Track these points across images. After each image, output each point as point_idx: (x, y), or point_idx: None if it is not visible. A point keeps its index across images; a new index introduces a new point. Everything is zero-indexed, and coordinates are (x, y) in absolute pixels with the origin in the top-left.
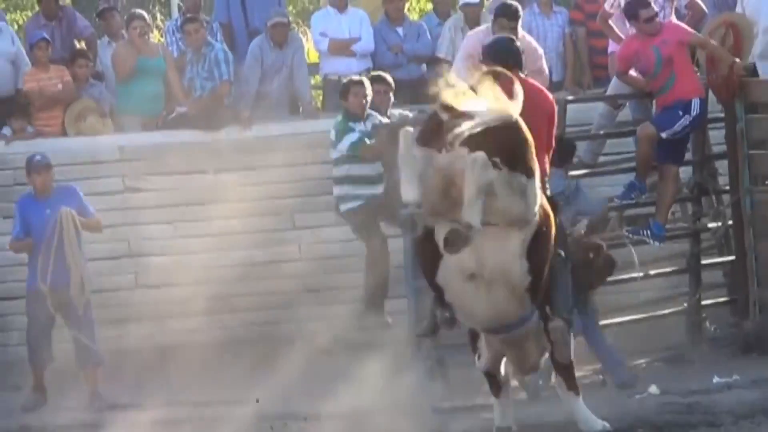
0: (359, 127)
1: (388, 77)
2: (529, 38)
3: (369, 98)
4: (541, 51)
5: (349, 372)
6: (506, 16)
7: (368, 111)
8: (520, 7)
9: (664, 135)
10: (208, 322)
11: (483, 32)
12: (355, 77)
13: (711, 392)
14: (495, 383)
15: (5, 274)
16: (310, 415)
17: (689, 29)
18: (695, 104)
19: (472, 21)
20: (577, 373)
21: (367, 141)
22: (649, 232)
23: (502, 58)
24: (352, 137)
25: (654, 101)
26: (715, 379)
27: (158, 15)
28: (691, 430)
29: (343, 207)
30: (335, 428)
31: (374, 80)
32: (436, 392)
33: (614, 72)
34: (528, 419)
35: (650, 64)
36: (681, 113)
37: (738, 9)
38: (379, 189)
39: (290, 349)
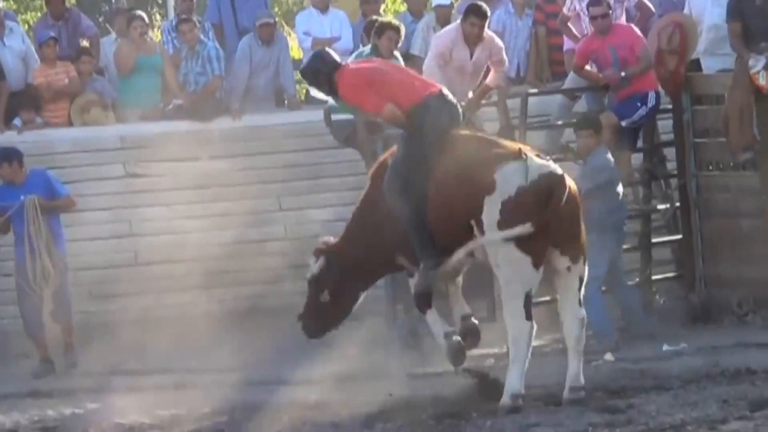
0: None
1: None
2: (491, 33)
3: (398, 45)
4: (501, 44)
5: (330, 341)
6: (475, 14)
7: (395, 54)
8: (487, 7)
9: (624, 123)
10: (202, 296)
11: (452, 31)
12: (394, 21)
13: (661, 359)
14: (426, 302)
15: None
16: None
17: (641, 38)
18: (651, 97)
19: (443, 21)
20: (540, 342)
21: None
22: None
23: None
24: None
25: (609, 94)
26: (665, 347)
27: (157, 16)
28: (643, 393)
29: (334, 117)
30: (318, 392)
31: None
32: (410, 360)
33: (571, 67)
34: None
35: (608, 63)
36: (639, 104)
37: (686, 10)
38: None
39: (277, 320)
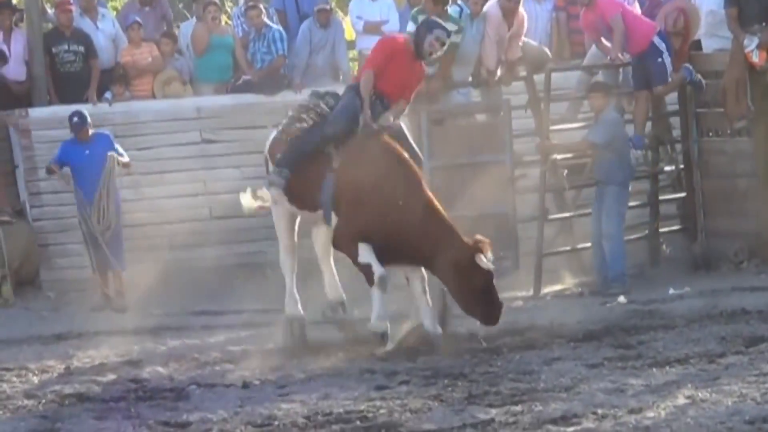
0: None
1: None
2: (523, 12)
3: None
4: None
5: (322, 287)
6: None
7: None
8: None
9: (660, 89)
10: (268, 246)
11: (494, 6)
12: None
13: (667, 301)
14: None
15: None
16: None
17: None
18: (658, 42)
19: None
20: (560, 286)
21: None
22: (631, 143)
23: None
24: None
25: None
26: (671, 291)
27: (229, 2)
28: (651, 331)
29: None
30: (366, 329)
31: None
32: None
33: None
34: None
35: (598, 32)
36: (659, 59)
37: None
38: None
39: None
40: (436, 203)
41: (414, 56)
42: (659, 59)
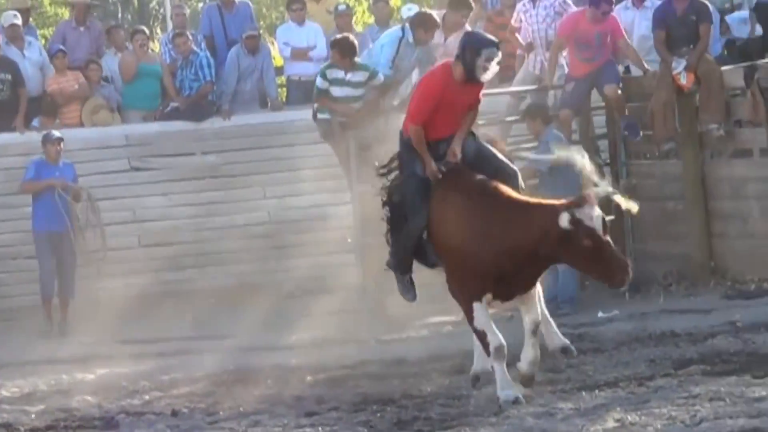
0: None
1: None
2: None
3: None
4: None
5: (308, 312)
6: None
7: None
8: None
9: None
10: (196, 274)
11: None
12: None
13: (596, 324)
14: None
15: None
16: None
17: (622, 30)
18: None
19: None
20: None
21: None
22: (626, 133)
23: None
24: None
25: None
26: (600, 314)
27: (158, 29)
28: (581, 354)
29: (319, 115)
30: (297, 356)
31: None
32: (378, 327)
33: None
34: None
35: (589, 43)
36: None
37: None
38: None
39: (262, 294)
40: (518, 197)
41: (463, 81)
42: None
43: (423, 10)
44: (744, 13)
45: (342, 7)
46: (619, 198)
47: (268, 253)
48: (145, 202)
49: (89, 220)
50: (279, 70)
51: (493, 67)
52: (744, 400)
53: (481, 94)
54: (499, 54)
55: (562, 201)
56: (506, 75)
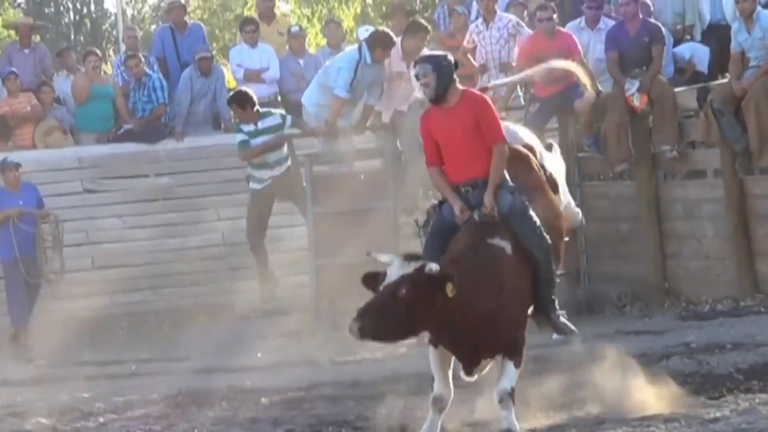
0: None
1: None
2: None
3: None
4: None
5: (263, 333)
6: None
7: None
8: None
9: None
10: (151, 295)
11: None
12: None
13: (551, 346)
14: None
15: None
16: (233, 368)
17: (578, 47)
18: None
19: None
20: None
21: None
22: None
23: None
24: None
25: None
26: (554, 336)
27: (111, 51)
28: (536, 376)
29: (251, 185)
30: (252, 378)
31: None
32: (332, 349)
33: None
34: None
35: (550, 58)
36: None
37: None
38: (280, 170)
39: (216, 316)
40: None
41: (441, 109)
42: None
43: (380, 28)
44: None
45: (295, 29)
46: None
47: (223, 274)
48: (99, 224)
49: (54, 241)
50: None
51: (426, 79)
52: (699, 421)
53: (479, 106)
54: (427, 68)
55: None
56: None
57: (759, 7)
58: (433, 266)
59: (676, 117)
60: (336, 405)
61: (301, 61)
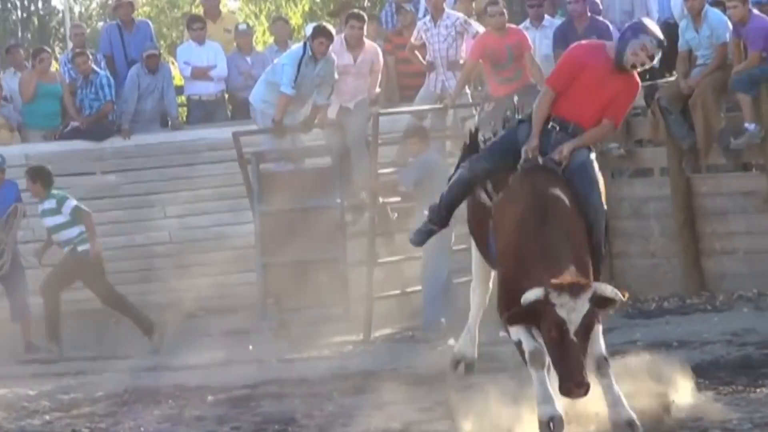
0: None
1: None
2: (374, 46)
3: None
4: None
5: (209, 331)
6: (356, 18)
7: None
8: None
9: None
10: None
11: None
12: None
13: (498, 343)
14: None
15: None
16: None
17: (529, 43)
18: None
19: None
20: (391, 330)
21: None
22: None
23: None
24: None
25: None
26: (501, 334)
27: (57, 48)
28: (483, 374)
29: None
30: (199, 376)
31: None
32: (279, 347)
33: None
34: None
35: (503, 58)
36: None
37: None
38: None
39: (163, 314)
40: (552, 241)
41: (614, 68)
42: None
43: (320, 23)
44: None
45: (242, 26)
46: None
47: (169, 272)
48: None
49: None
50: (179, 90)
51: (647, 63)
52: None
53: (632, 95)
54: (658, 52)
55: (567, 275)
56: (407, 95)
57: (707, 6)
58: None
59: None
60: (282, 403)
61: (249, 59)
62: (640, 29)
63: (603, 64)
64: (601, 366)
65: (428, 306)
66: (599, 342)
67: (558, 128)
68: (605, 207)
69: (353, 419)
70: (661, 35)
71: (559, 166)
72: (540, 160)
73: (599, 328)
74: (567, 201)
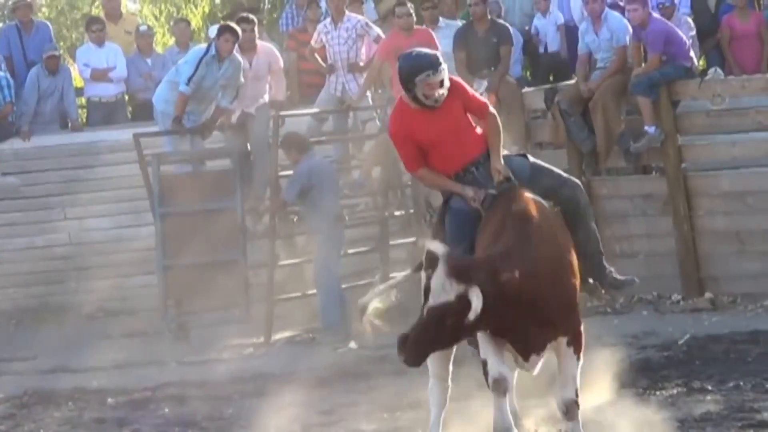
0: None
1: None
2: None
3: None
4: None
5: (110, 334)
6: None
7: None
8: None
9: None
10: None
11: None
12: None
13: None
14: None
15: None
16: (80, 368)
17: (435, 42)
18: None
19: None
20: (291, 332)
21: None
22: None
23: None
24: None
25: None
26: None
27: None
28: (382, 376)
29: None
30: (99, 378)
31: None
32: (179, 349)
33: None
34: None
35: None
36: None
37: None
38: None
39: (63, 316)
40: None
41: (424, 108)
42: None
43: (226, 22)
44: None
45: (143, 27)
46: None
47: (69, 274)
48: None
49: None
50: (79, 91)
51: (441, 90)
52: None
53: (456, 89)
54: (438, 72)
55: (482, 262)
56: (308, 94)
57: (607, 9)
58: (475, 301)
59: (523, 117)
60: (183, 405)
61: (149, 61)
62: (410, 72)
63: (417, 114)
64: (570, 410)
65: (324, 309)
66: (572, 384)
67: (476, 168)
68: (576, 180)
69: (253, 422)
70: (431, 51)
71: (511, 180)
72: (491, 190)
73: (576, 371)
74: (542, 204)
